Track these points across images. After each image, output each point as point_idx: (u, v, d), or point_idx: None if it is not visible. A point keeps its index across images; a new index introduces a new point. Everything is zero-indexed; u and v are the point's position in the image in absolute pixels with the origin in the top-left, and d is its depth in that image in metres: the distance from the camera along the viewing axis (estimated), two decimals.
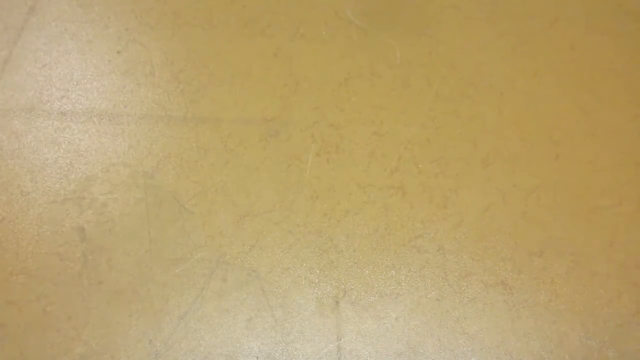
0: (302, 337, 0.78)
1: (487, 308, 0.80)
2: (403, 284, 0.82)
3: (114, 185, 0.88)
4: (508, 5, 1.08)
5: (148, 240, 0.83)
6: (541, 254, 0.84)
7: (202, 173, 0.89)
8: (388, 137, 0.93)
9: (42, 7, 1.05)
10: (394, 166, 0.91)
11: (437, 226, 0.86)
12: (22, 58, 0.99)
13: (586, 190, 0.89)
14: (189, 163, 0.90)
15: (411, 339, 0.78)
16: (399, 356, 0.77)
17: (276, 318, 0.79)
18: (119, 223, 0.85)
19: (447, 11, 1.07)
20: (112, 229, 0.84)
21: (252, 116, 0.95)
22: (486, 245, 0.85)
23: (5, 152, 0.90)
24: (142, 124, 0.94)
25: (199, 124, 0.94)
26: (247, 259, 0.83)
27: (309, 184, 0.89)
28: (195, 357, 0.76)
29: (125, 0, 1.07)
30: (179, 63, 1.00)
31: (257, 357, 0.76)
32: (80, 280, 0.80)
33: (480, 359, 0.77)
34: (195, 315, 0.78)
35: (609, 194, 0.89)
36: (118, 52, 1.01)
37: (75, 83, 0.97)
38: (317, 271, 0.82)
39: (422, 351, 0.77)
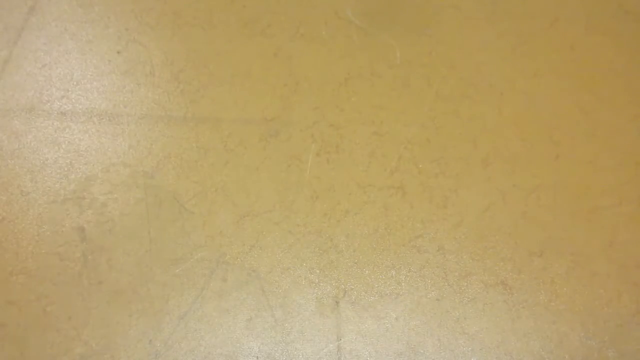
0: (302, 337, 0.78)
1: (487, 308, 0.80)
2: (403, 284, 0.82)
3: (114, 185, 0.88)
4: (508, 5, 1.08)
5: (148, 240, 0.83)
6: (541, 254, 0.84)
7: (202, 173, 0.89)
8: (388, 137, 0.93)
9: (42, 7, 1.05)
10: (394, 166, 0.91)
11: (437, 226, 0.86)
12: (22, 58, 0.99)
13: (586, 190, 0.89)
14: (189, 163, 0.90)
15: (411, 339, 0.78)
16: (399, 356, 0.77)
17: (276, 318, 0.79)
18: (119, 223, 0.85)
19: (447, 11, 1.07)
20: (112, 229, 0.84)
21: (252, 116, 0.95)
22: (486, 245, 0.85)
23: (5, 152, 0.90)
24: (142, 124, 0.94)
25: (199, 124, 0.94)
26: (247, 259, 0.83)
27: (309, 184, 0.89)
28: (195, 357, 0.76)
29: (125, 0, 1.07)
30: (179, 63, 1.00)
31: (257, 357, 0.76)
32: (80, 280, 0.80)
33: (480, 359, 0.77)
34: (195, 315, 0.78)
35: (609, 194, 0.89)
36: (118, 52, 1.01)
37: (75, 83, 0.97)
38: (317, 271, 0.82)
39: (422, 351, 0.77)
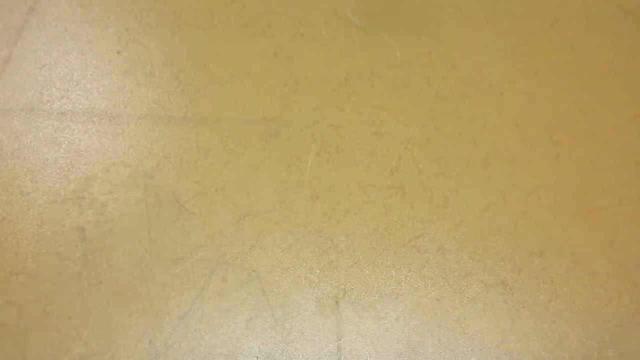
0: (302, 337, 0.78)
1: (487, 308, 0.80)
2: (403, 284, 0.82)
3: (114, 185, 0.88)
4: (508, 5, 1.08)
5: (148, 240, 0.83)
6: (541, 254, 0.84)
7: (202, 173, 0.89)
8: (388, 137, 0.93)
9: (42, 7, 1.05)
10: (394, 166, 0.91)
11: (437, 226, 0.86)
12: (22, 58, 0.99)
13: (586, 190, 0.89)
14: (189, 163, 0.90)
15: (411, 339, 0.78)
16: (399, 356, 0.77)
17: (276, 318, 0.79)
18: (119, 223, 0.85)
19: (447, 11, 1.07)
20: (112, 229, 0.84)
21: (252, 116, 0.95)
22: (486, 245, 0.85)
23: (5, 152, 0.90)
24: (142, 124, 0.94)
25: (199, 124, 0.94)
26: (247, 259, 0.83)
27: (309, 184, 0.89)
28: (195, 357, 0.76)
29: (125, 0, 1.07)
30: (179, 63, 1.00)
31: (257, 357, 0.76)
32: (80, 280, 0.80)
33: (480, 359, 0.77)
34: (195, 315, 0.78)
35: (609, 194, 0.89)
36: (118, 52, 1.01)
37: (75, 83, 0.97)
38: (317, 271, 0.82)
39: (422, 351, 0.77)
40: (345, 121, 0.95)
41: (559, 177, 0.90)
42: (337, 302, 0.80)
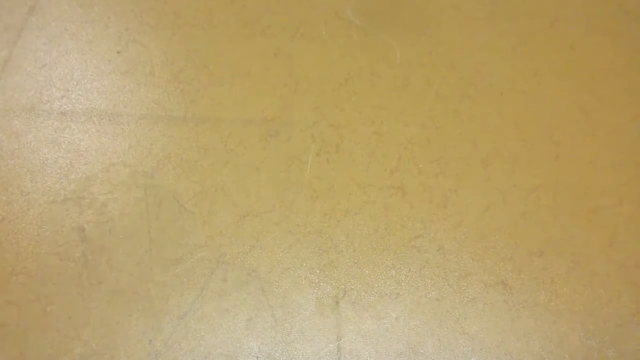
0: (302, 337, 0.78)
1: (487, 308, 0.80)
2: (403, 284, 0.82)
3: (114, 185, 0.88)
4: (508, 5, 1.08)
5: (148, 240, 0.83)
6: (541, 254, 0.84)
7: (202, 173, 0.89)
8: (388, 137, 0.93)
9: (42, 7, 1.05)
10: (394, 166, 0.91)
11: (437, 226, 0.86)
12: (22, 58, 0.99)
13: (586, 190, 0.89)
14: (189, 163, 0.90)
15: (411, 339, 0.78)
16: (399, 356, 0.77)
17: (276, 318, 0.79)
18: (119, 223, 0.85)
19: (447, 11, 1.07)
20: (112, 229, 0.84)
21: (252, 116, 0.95)
22: (486, 245, 0.85)
23: (5, 152, 0.90)
24: (142, 124, 0.94)
25: (199, 124, 0.94)
26: (247, 259, 0.83)
27: (309, 184, 0.89)
28: (195, 357, 0.76)
29: (125, 0, 1.07)
30: (179, 63, 1.00)
31: (257, 357, 0.76)
32: (80, 280, 0.80)
33: (480, 359, 0.77)
34: (195, 315, 0.78)
35: (609, 194, 0.89)
36: (118, 52, 1.01)
37: (75, 83, 0.97)
38: (317, 271, 0.82)
39: (422, 351, 0.77)
40: (345, 121, 0.95)
41: (559, 177, 0.90)
42: (337, 302, 0.80)
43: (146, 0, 1.07)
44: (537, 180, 0.90)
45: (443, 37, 1.04)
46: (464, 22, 1.06)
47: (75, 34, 1.03)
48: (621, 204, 0.88)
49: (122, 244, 0.83)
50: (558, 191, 0.89)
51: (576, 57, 1.02)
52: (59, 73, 0.98)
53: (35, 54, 1.00)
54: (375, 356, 0.77)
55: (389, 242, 0.85)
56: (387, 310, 0.80)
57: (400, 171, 0.90)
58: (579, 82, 0.99)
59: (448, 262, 0.83)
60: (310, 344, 0.77)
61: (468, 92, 0.98)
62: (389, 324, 0.79)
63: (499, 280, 0.82)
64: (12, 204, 0.86)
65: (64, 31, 1.03)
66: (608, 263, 0.83)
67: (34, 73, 0.98)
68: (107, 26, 1.04)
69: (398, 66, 1.01)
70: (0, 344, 0.76)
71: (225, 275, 0.81)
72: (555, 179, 0.90)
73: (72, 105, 0.95)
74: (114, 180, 0.88)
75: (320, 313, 0.79)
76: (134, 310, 0.78)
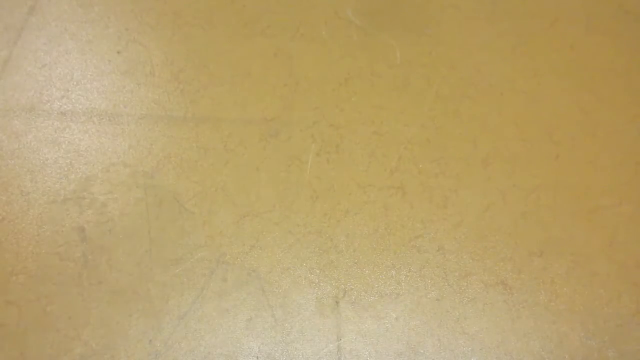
0: (302, 337, 0.78)
1: (487, 308, 0.80)
2: (403, 284, 0.82)
3: (114, 185, 0.88)
4: (508, 5, 1.08)
5: (148, 240, 0.83)
6: (541, 254, 0.84)
7: (202, 173, 0.89)
8: (388, 137, 0.93)
9: (42, 7, 1.05)
10: (394, 166, 0.91)
11: (437, 226, 0.86)
12: (22, 58, 0.99)
13: (586, 190, 0.89)
14: (189, 163, 0.90)
15: (411, 339, 0.78)
16: (399, 356, 0.77)
17: (276, 318, 0.79)
18: (119, 223, 0.85)
19: (447, 11, 1.07)
20: (112, 229, 0.84)
21: (252, 116, 0.95)
22: (486, 245, 0.85)
23: (5, 152, 0.90)
24: (142, 124, 0.94)
25: (199, 124, 0.94)
26: (247, 259, 0.83)
27: (309, 184, 0.89)
28: (195, 357, 0.76)
29: (125, 0, 1.07)
30: (179, 63, 1.00)
31: (257, 357, 0.76)
32: (80, 280, 0.80)
33: (480, 359, 0.77)
34: (195, 315, 0.78)
35: (609, 194, 0.89)
36: (118, 52, 1.01)
37: (75, 83, 0.97)
38: (317, 271, 0.82)
39: (422, 351, 0.77)
40: (345, 121, 0.95)
41: (559, 177, 0.90)
42: (337, 302, 0.80)
43: (146, 0, 1.07)
44: (537, 180, 0.90)
45: (443, 37, 1.04)
46: (464, 22, 1.06)
47: (75, 34, 1.03)
48: (621, 204, 0.88)
49: (122, 244, 0.83)
50: (558, 191, 0.89)
51: (576, 57, 1.02)
52: (59, 73, 0.98)
53: (35, 54, 1.00)
54: (375, 356, 0.77)
55: (389, 242, 0.85)
56: (387, 310, 0.80)
57: (400, 171, 0.90)
58: (579, 82, 0.99)
59: (448, 262, 0.83)
60: (310, 344, 0.77)
61: (468, 92, 0.98)
62: (389, 324, 0.79)
63: (499, 280, 0.82)
64: (12, 204, 0.86)
65: (64, 31, 1.03)
66: (608, 263, 0.83)
67: (34, 73, 0.98)
68: (107, 26, 1.04)
69: (398, 66, 1.01)
70: (0, 344, 0.76)
71: (225, 275, 0.81)
72: (555, 179, 0.90)
73: (72, 105, 0.95)
74: (114, 180, 0.88)
75: (320, 313, 0.79)
76: (134, 310, 0.78)
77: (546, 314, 0.80)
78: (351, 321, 0.79)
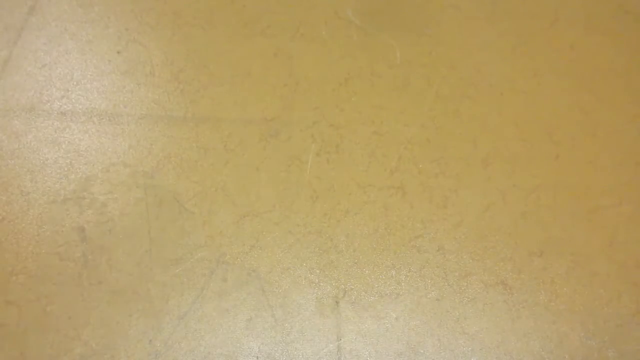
0: (302, 337, 0.78)
1: (487, 308, 0.80)
2: (403, 284, 0.82)
3: (114, 185, 0.88)
4: (508, 5, 1.08)
5: (148, 240, 0.83)
6: (541, 254, 0.84)
7: (202, 173, 0.89)
8: (388, 137, 0.93)
9: (42, 7, 1.05)
10: (394, 166, 0.91)
11: (437, 226, 0.86)
12: (22, 58, 0.99)
13: (586, 190, 0.89)
14: (189, 163, 0.90)
15: (411, 339, 0.78)
16: (399, 356, 0.77)
17: (276, 318, 0.79)
18: (119, 223, 0.85)
19: (447, 11, 1.07)
20: (112, 229, 0.84)
21: (252, 116, 0.95)
22: (486, 245, 0.85)
23: (5, 152, 0.90)
24: (142, 124, 0.94)
25: (199, 124, 0.94)
26: (247, 259, 0.83)
27: (309, 184, 0.89)
28: (195, 357, 0.76)
29: (125, 0, 1.07)
30: (179, 63, 1.00)
31: (257, 357, 0.76)
32: (80, 280, 0.80)
33: (480, 359, 0.77)
34: (195, 315, 0.78)
35: (609, 194, 0.89)
36: (118, 52, 1.01)
37: (75, 83, 0.97)
38: (317, 271, 0.82)
39: (422, 351, 0.77)
40: (345, 121, 0.95)
41: (559, 177, 0.90)
42: (337, 302, 0.80)
43: (146, 0, 1.07)
44: (537, 180, 0.90)
45: (443, 37, 1.04)
46: (464, 22, 1.06)
47: (75, 34, 1.03)
48: (621, 204, 0.88)
49: (122, 244, 0.83)
50: (558, 191, 0.89)
51: (576, 57, 1.02)
52: (59, 73, 0.98)
53: (35, 54, 1.00)
54: (375, 356, 0.77)
55: (389, 242, 0.85)
56: (387, 310, 0.80)
57: (400, 171, 0.90)
58: (579, 82, 0.99)
59: (448, 262, 0.83)
60: (310, 344, 0.77)
61: (468, 92, 0.98)
62: (389, 324, 0.79)
63: (499, 280, 0.82)
64: (12, 204, 0.86)
65: (64, 31, 1.03)
66: (608, 263, 0.83)
67: (34, 73, 0.98)
68: (107, 26, 1.04)
69: (398, 66, 1.01)
70: (0, 344, 0.76)
71: (225, 275, 0.81)
72: (555, 179, 0.90)
73: (72, 105, 0.95)
74: (114, 180, 0.88)
75: (320, 313, 0.79)
76: (134, 310, 0.78)
77: (546, 314, 0.80)
78: (351, 321, 0.79)
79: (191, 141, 0.92)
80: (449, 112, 0.96)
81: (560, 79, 1.00)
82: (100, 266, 0.81)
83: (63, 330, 0.77)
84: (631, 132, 0.94)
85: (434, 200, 0.88)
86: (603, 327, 0.79)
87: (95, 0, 1.07)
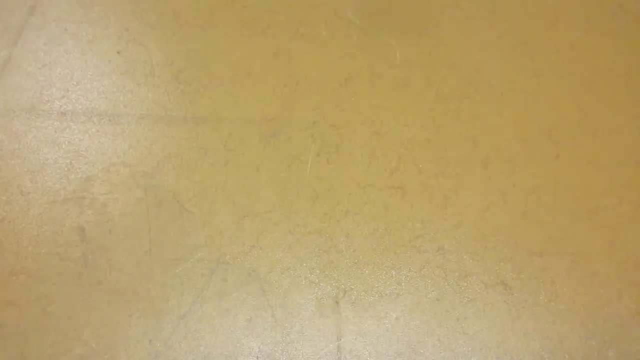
0: (302, 337, 0.78)
1: (487, 308, 0.80)
2: (403, 284, 0.82)
3: (114, 185, 0.88)
4: (508, 5, 1.08)
5: (148, 240, 0.83)
6: (541, 254, 0.84)
7: (202, 173, 0.89)
8: (388, 137, 0.93)
9: (42, 7, 1.05)
10: (394, 166, 0.91)
11: (437, 226, 0.86)
12: (22, 58, 0.99)
13: (586, 190, 0.89)
14: (189, 163, 0.90)
15: (411, 339, 0.78)
16: (399, 356, 0.77)
17: (276, 318, 0.79)
18: (119, 223, 0.85)
19: (447, 11, 1.07)
20: (112, 229, 0.84)
21: (252, 116, 0.95)
22: (486, 245, 0.85)
23: (5, 152, 0.90)
24: (142, 124, 0.94)
25: (199, 124, 0.94)
26: (247, 259, 0.83)
27: (309, 184, 0.89)
28: (195, 357, 0.76)
29: (125, 0, 1.07)
30: (179, 63, 1.00)
31: (257, 357, 0.76)
32: (80, 280, 0.80)
33: (480, 359, 0.77)
34: (195, 315, 0.78)
35: (609, 194, 0.89)
36: (118, 52, 1.01)
37: (75, 83, 0.97)
38: (317, 271, 0.82)
39: (422, 351, 0.77)
40: (345, 121, 0.95)
41: (559, 177, 0.90)
42: (337, 302, 0.80)
43: (146, 0, 1.07)
44: (537, 180, 0.90)
45: (443, 37, 1.04)
46: (464, 22, 1.06)
47: (75, 34, 1.03)
48: (621, 204, 0.88)
49: (122, 244, 0.83)
50: (558, 191, 0.89)
51: (576, 57, 1.02)
52: (59, 73, 0.98)
53: (35, 54, 1.00)
54: (375, 356, 0.77)
55: (389, 242, 0.85)
56: (387, 310, 0.80)
57: (400, 171, 0.90)
58: (579, 82, 0.99)
59: (448, 262, 0.83)
60: (310, 344, 0.77)
61: (468, 92, 0.98)
62: (389, 324, 0.79)
63: (499, 280, 0.82)
64: (12, 204, 0.86)
65: (64, 31, 1.03)
66: (608, 263, 0.83)
67: (34, 73, 0.98)
68: (107, 26, 1.04)
69: (398, 66, 1.01)
70: (0, 344, 0.76)
71: (225, 275, 0.81)
72: (555, 179, 0.90)
73: (72, 105, 0.95)
74: (114, 180, 0.88)
75: (320, 313, 0.79)
76: (134, 310, 0.78)
77: (546, 314, 0.80)
78: (351, 321, 0.79)
79: (191, 141, 0.92)
80: (449, 112, 0.96)
81: (560, 79, 1.00)
82: (100, 266, 0.81)
83: (63, 330, 0.77)
84: (631, 132, 0.94)
85: (434, 201, 0.88)
86: (603, 327, 0.79)
87: (95, 0, 1.07)
